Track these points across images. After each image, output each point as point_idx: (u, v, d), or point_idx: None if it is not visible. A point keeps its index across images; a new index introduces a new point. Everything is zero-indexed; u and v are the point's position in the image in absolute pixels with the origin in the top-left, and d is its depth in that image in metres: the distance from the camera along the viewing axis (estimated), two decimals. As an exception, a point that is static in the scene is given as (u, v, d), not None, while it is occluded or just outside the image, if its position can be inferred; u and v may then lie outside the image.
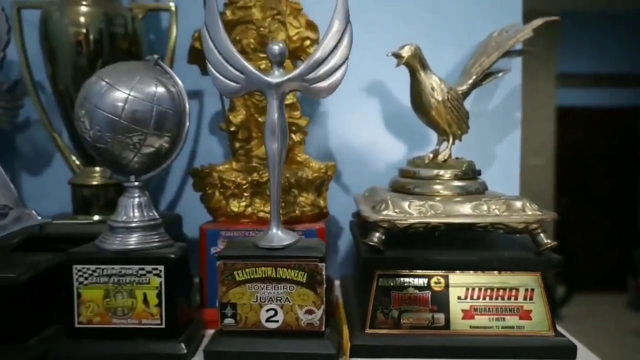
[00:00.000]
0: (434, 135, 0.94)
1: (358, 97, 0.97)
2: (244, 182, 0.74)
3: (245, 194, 0.74)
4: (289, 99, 0.76)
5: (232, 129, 0.78)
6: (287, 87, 0.62)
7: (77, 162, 0.85)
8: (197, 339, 0.66)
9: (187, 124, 0.64)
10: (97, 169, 0.83)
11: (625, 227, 3.81)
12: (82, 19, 0.77)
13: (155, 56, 0.64)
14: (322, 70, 0.62)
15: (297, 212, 0.75)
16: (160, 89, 0.62)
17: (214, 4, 0.62)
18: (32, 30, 0.84)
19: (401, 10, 0.97)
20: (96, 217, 0.82)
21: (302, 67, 0.61)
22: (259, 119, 0.78)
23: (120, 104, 0.59)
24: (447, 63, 0.94)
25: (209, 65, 0.62)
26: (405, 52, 0.71)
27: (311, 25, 0.79)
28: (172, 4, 0.83)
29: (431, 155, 0.76)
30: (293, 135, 0.78)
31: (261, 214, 0.75)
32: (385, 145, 0.99)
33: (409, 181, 0.75)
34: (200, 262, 0.74)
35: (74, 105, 0.77)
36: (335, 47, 0.61)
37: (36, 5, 0.81)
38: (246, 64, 0.62)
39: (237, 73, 0.62)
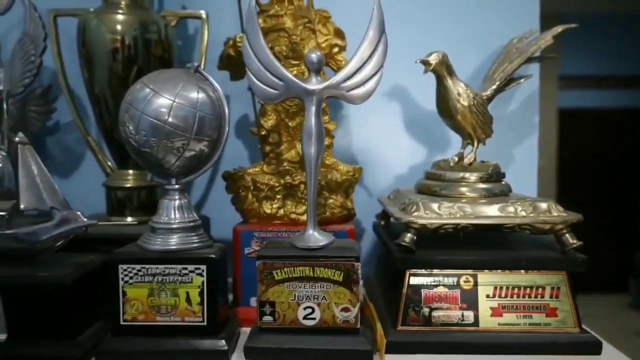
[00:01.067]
0: (453, 139, 0.98)
1: (379, 102, 1.00)
2: (277, 184, 0.76)
3: (278, 196, 0.77)
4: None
5: (263, 133, 0.80)
6: (324, 94, 0.64)
7: (110, 165, 0.88)
8: (235, 336, 0.69)
9: (227, 128, 0.66)
10: (131, 171, 0.86)
11: (627, 228, 3.84)
12: (118, 27, 0.80)
13: (195, 64, 0.67)
14: (358, 77, 0.64)
15: (327, 213, 0.77)
16: (202, 95, 0.64)
17: (254, 14, 0.64)
18: (65, 37, 0.88)
19: (422, 19, 0.99)
20: (129, 219, 0.84)
21: (339, 75, 0.64)
22: (289, 124, 0.80)
23: (165, 109, 0.62)
24: (467, 69, 0.97)
25: (249, 73, 0.65)
26: (433, 59, 0.74)
27: (339, 33, 0.82)
28: (202, 12, 0.86)
29: (456, 159, 0.78)
30: (322, 139, 0.81)
31: (293, 216, 0.77)
32: (404, 149, 1.02)
33: (435, 183, 0.78)
34: (234, 262, 0.77)
35: (109, 108, 0.82)
36: (370, 55, 0.64)
37: (72, 13, 0.84)
38: (285, 71, 0.64)
39: (276, 80, 0.65)
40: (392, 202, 0.81)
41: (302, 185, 0.76)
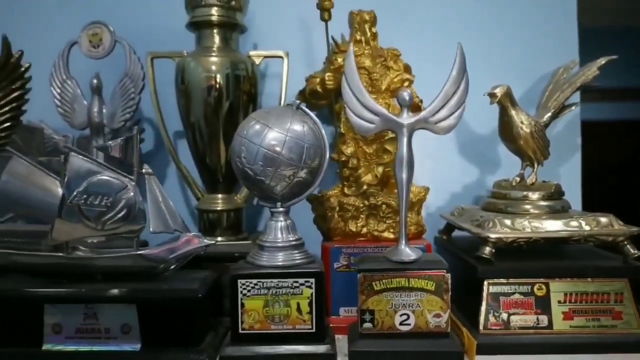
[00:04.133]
0: (503, 160, 1.07)
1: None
2: (362, 205, 0.85)
3: (362, 216, 0.86)
4: (390, 134, 0.88)
5: (343, 158, 0.90)
6: (414, 126, 0.74)
7: (200, 190, 0.97)
8: (335, 342, 0.77)
9: (327, 157, 0.76)
10: (219, 195, 0.95)
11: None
12: (213, 67, 0.90)
13: (297, 101, 0.76)
14: (443, 112, 0.74)
15: (408, 230, 0.86)
16: (306, 128, 0.74)
17: (352, 58, 0.74)
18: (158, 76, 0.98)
19: (471, 50, 1.09)
20: (220, 238, 0.93)
21: (427, 110, 0.74)
22: (367, 150, 0.90)
23: (280, 143, 0.71)
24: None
25: (347, 109, 0.75)
26: (499, 92, 0.83)
27: (407, 68, 0.92)
28: (282, 52, 0.96)
29: (518, 179, 0.88)
30: (396, 164, 0.90)
31: (375, 233, 0.86)
32: (457, 169, 1.11)
33: (500, 201, 0.87)
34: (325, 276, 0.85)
35: (202, 135, 0.91)
36: (454, 93, 0.74)
37: (167, 55, 0.94)
38: (381, 108, 0.74)
39: (372, 115, 0.74)
40: (460, 219, 0.89)
41: (384, 206, 0.86)
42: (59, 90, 0.95)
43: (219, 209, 0.94)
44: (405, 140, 0.74)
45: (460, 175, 1.12)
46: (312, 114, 0.76)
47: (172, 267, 0.74)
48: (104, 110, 0.93)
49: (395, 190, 0.89)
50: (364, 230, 0.86)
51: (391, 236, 0.86)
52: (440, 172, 1.11)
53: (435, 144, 1.10)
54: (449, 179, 1.11)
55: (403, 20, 1.08)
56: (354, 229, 0.86)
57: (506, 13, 1.10)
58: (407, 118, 0.74)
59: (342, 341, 0.78)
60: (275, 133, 0.72)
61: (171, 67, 0.95)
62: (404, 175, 0.74)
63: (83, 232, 0.70)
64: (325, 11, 0.82)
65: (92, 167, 0.71)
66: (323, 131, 0.76)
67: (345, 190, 0.90)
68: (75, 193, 0.69)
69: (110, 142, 0.72)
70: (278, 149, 0.71)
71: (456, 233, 0.98)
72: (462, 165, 1.12)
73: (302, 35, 1.10)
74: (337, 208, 0.87)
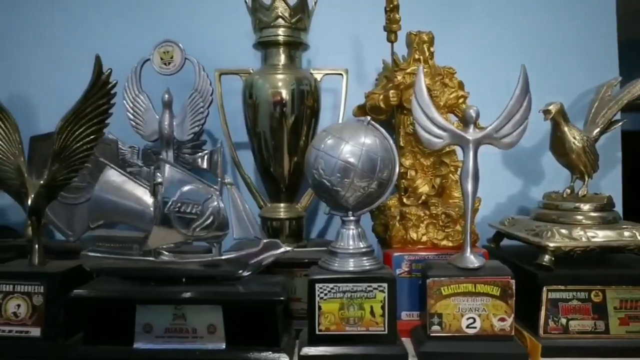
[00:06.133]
0: (547, 172, 1.13)
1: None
2: (423, 214, 0.90)
3: (422, 225, 0.91)
4: (450, 147, 0.93)
5: (402, 170, 0.95)
6: (480, 142, 0.79)
7: (262, 199, 1.02)
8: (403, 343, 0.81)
9: (397, 169, 0.81)
10: (282, 204, 1.00)
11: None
12: (279, 83, 0.96)
13: (368, 117, 0.82)
14: (506, 128, 0.79)
15: (463, 239, 0.91)
16: (378, 142, 0.79)
17: (422, 77, 0.80)
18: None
19: (508, 66, 1.13)
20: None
21: (493, 126, 0.79)
22: (424, 162, 0.95)
23: (357, 155, 0.76)
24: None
25: (417, 125, 0.80)
26: (553, 109, 0.88)
27: (461, 85, 0.97)
28: (343, 70, 1.02)
29: (569, 191, 0.92)
30: (452, 176, 0.95)
31: (435, 241, 0.91)
32: (501, 181, 1.16)
33: (552, 212, 0.91)
34: (387, 281, 0.90)
35: (267, 145, 0.97)
36: (517, 111, 0.79)
37: (234, 72, 1.01)
38: (448, 124, 0.79)
39: (441, 131, 0.79)
40: (513, 228, 0.94)
41: (443, 215, 0.91)
42: (131, 104, 1.00)
43: (281, 217, 0.99)
44: (471, 154, 0.79)
45: (504, 187, 1.17)
46: (382, 129, 0.82)
47: (252, 271, 0.79)
48: (174, 123, 0.99)
49: (451, 201, 0.96)
50: (424, 238, 0.91)
51: (449, 244, 0.91)
52: (485, 184, 1.14)
53: (480, 157, 1.16)
54: (493, 190, 1.15)
55: (447, 39, 1.14)
56: (414, 237, 0.91)
57: (547, 31, 1.16)
58: (473, 134, 0.79)
59: (405, 343, 0.82)
60: (351, 147, 0.77)
61: (232, 82, 1.03)
62: (470, 187, 0.79)
63: (175, 238, 0.75)
64: (392, 33, 0.88)
65: (183, 177, 0.76)
66: (393, 145, 0.81)
67: (404, 200, 0.95)
68: (170, 202, 0.74)
69: (198, 154, 0.78)
70: (354, 161, 0.76)
71: (504, 242, 1.03)
72: (506, 178, 1.17)
73: (352, 53, 1.16)
74: (398, 217, 0.92)
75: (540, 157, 1.17)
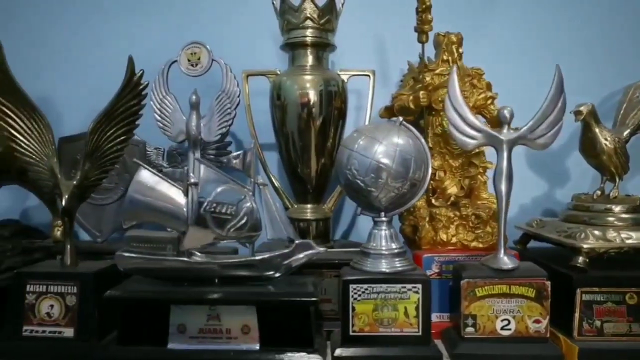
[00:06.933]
0: (572, 175, 1.12)
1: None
2: (453, 216, 0.90)
3: (452, 226, 0.90)
4: (479, 148, 0.93)
5: (431, 171, 0.94)
6: (516, 142, 0.78)
7: (290, 200, 1.02)
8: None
9: (430, 170, 0.80)
10: (309, 205, 1.00)
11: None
12: (307, 84, 0.96)
13: (400, 118, 0.81)
14: (541, 129, 0.79)
15: (494, 240, 0.90)
16: (412, 143, 0.78)
17: (455, 78, 0.80)
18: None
19: (536, 67, 1.13)
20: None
21: (527, 126, 0.79)
22: (453, 164, 0.95)
23: (390, 156, 0.76)
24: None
25: (451, 126, 0.80)
26: (585, 110, 0.88)
27: (489, 86, 0.97)
28: (369, 71, 1.02)
29: (599, 192, 0.92)
30: (480, 177, 0.95)
31: (465, 242, 0.90)
32: (526, 183, 1.15)
33: (583, 214, 0.90)
34: (417, 283, 0.89)
35: (295, 145, 0.97)
36: (552, 111, 0.78)
37: (261, 73, 1.01)
38: (482, 125, 0.79)
39: (474, 132, 0.79)
40: (543, 230, 0.93)
41: (474, 217, 0.90)
42: (158, 105, 1.01)
43: (308, 218, 0.99)
44: (505, 155, 0.79)
45: (528, 189, 1.16)
46: (414, 130, 0.82)
47: (285, 272, 0.79)
48: (202, 124, 1.00)
49: (479, 202, 0.95)
50: (454, 239, 0.90)
51: (480, 245, 0.91)
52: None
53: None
54: (516, 192, 1.14)
55: (474, 40, 1.13)
56: (444, 239, 0.90)
57: (573, 30, 1.16)
58: (507, 134, 0.79)
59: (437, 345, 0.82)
60: (385, 147, 0.77)
61: (255, 84, 1.03)
62: (504, 188, 0.79)
63: (210, 239, 0.75)
64: (423, 34, 0.87)
65: (218, 177, 0.76)
66: (426, 146, 0.81)
67: (433, 201, 0.95)
68: (206, 202, 0.74)
69: (232, 155, 0.78)
70: (389, 162, 0.76)
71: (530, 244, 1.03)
72: (529, 179, 1.16)
73: (374, 55, 1.17)
74: (428, 218, 0.92)
75: (565, 158, 1.17)
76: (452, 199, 0.94)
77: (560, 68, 0.78)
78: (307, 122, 0.96)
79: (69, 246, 0.84)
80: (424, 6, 0.85)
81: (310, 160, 0.97)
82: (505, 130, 0.79)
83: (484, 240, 0.90)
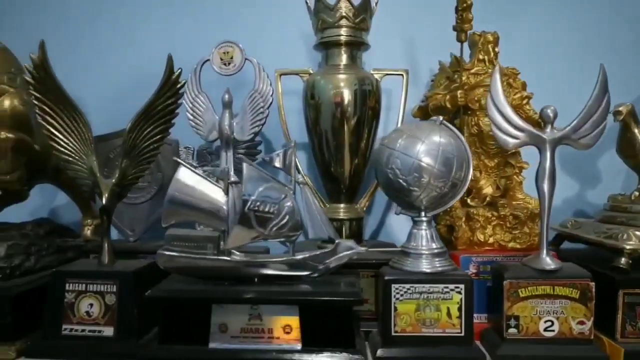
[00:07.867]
0: (604, 176, 1.12)
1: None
2: (491, 216, 0.89)
3: (489, 226, 0.90)
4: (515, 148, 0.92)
5: (472, 171, 0.93)
6: (559, 142, 0.78)
7: (322, 199, 1.02)
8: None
9: (471, 169, 0.80)
10: (342, 205, 1.00)
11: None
12: (341, 83, 0.95)
13: (441, 117, 0.81)
14: (585, 128, 0.78)
15: (531, 241, 0.90)
16: (453, 142, 0.78)
17: (497, 78, 0.79)
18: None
19: (564, 66, 1.13)
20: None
21: (570, 127, 0.78)
22: (488, 164, 0.94)
23: (433, 156, 0.75)
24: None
25: (493, 125, 0.79)
26: (624, 110, 0.87)
27: (524, 86, 0.96)
28: (403, 70, 1.02)
29: (637, 193, 0.91)
30: (516, 177, 0.94)
31: (502, 242, 0.90)
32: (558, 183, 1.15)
33: (620, 214, 0.90)
34: (454, 283, 0.89)
35: (329, 143, 0.96)
36: (596, 110, 0.78)
37: (294, 72, 1.01)
38: (525, 124, 0.78)
39: (517, 131, 0.79)
40: (580, 231, 0.92)
41: (511, 217, 0.90)
42: (191, 105, 1.00)
43: (341, 217, 0.99)
44: (548, 154, 0.78)
45: (559, 190, 1.13)
46: (455, 129, 0.81)
47: (325, 272, 0.79)
48: (234, 124, 0.99)
49: (514, 202, 0.94)
50: (491, 240, 0.90)
51: (517, 246, 0.90)
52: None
53: (532, 159, 1.15)
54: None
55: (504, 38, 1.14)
56: (481, 239, 0.90)
57: (610, 29, 1.15)
58: (550, 134, 0.78)
59: (476, 346, 0.82)
60: (427, 146, 0.76)
61: (286, 82, 1.03)
62: (546, 187, 0.78)
63: (252, 237, 0.75)
64: (462, 32, 0.87)
65: (260, 175, 0.76)
66: (467, 145, 0.80)
67: (468, 201, 0.94)
68: (250, 200, 0.74)
69: (273, 154, 0.78)
70: (431, 161, 0.76)
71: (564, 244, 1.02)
72: (561, 180, 1.15)
73: (404, 54, 1.16)
74: (464, 218, 0.91)
75: (596, 159, 1.16)
76: (487, 199, 0.93)
77: (604, 67, 0.77)
78: (341, 122, 0.95)
79: (106, 245, 0.84)
80: (464, 5, 0.84)
81: (344, 160, 0.97)
82: (548, 130, 0.78)
83: (521, 241, 0.90)
